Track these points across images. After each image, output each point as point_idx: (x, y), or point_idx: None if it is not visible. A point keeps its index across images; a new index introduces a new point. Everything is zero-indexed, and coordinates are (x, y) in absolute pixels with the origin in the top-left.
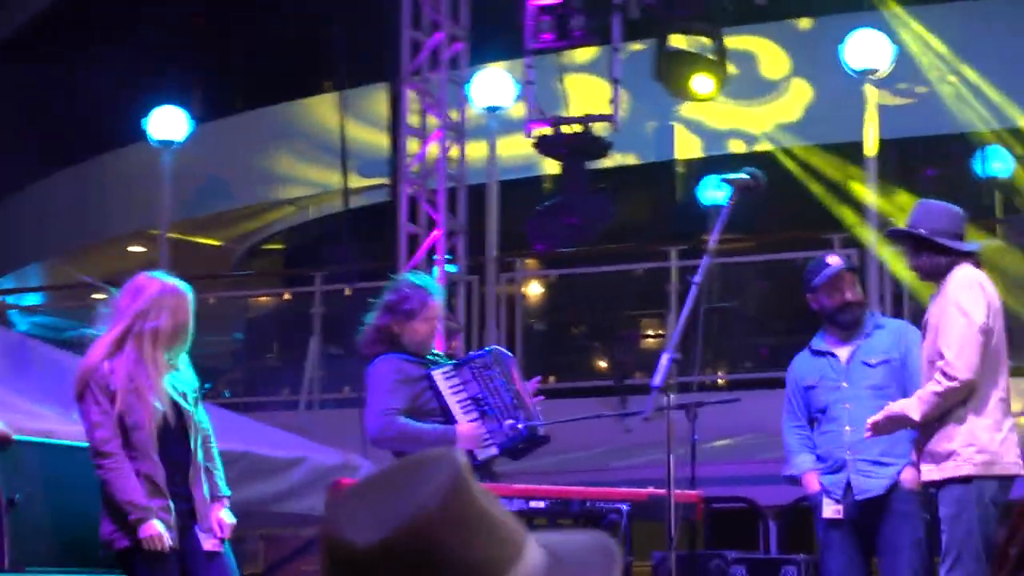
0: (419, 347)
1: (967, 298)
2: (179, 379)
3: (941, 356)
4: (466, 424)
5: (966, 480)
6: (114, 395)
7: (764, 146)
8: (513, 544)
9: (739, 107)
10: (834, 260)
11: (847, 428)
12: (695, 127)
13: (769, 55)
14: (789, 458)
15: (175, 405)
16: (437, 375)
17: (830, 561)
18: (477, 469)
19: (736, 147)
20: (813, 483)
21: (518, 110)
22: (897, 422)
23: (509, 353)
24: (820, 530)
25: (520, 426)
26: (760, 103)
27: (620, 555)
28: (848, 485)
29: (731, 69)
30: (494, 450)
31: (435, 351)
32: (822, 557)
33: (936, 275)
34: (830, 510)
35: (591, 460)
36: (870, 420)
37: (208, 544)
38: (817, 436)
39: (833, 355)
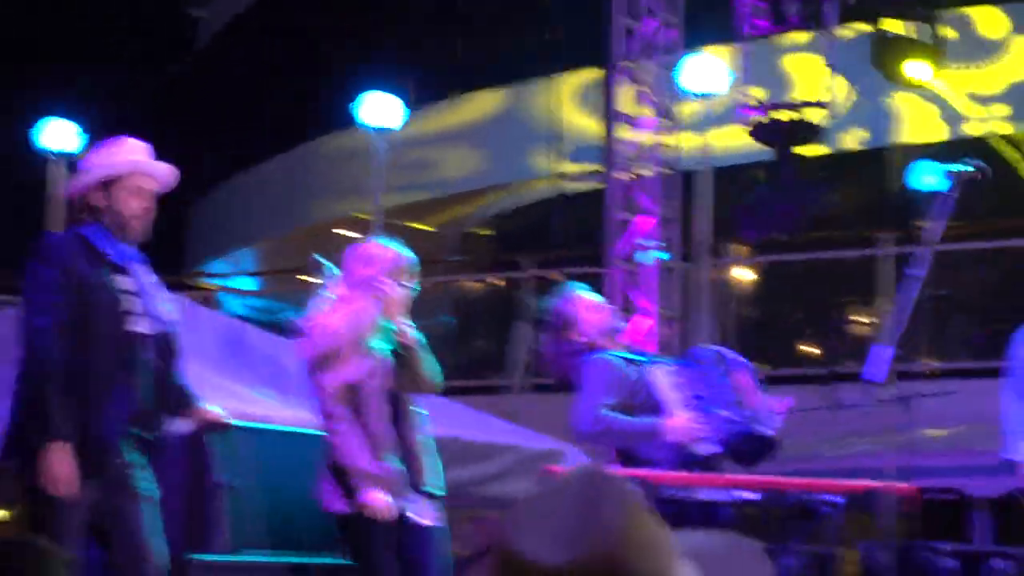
0: (607, 334)
1: None
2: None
3: None
4: (678, 417)
5: None
6: (339, 353)
7: (980, 130)
8: (675, 556)
9: (956, 93)
10: None
11: None
12: (908, 113)
13: (990, 24)
14: (1009, 440)
15: (390, 370)
16: (655, 371)
17: None
18: (698, 464)
19: (951, 132)
20: None
21: (731, 97)
22: None
23: (740, 357)
24: None
25: (736, 418)
26: (977, 88)
27: (763, 553)
28: None
29: (950, 45)
30: (716, 446)
31: (651, 353)
32: None
33: None
34: None
35: (803, 448)
36: None
37: (424, 517)
38: None
39: None
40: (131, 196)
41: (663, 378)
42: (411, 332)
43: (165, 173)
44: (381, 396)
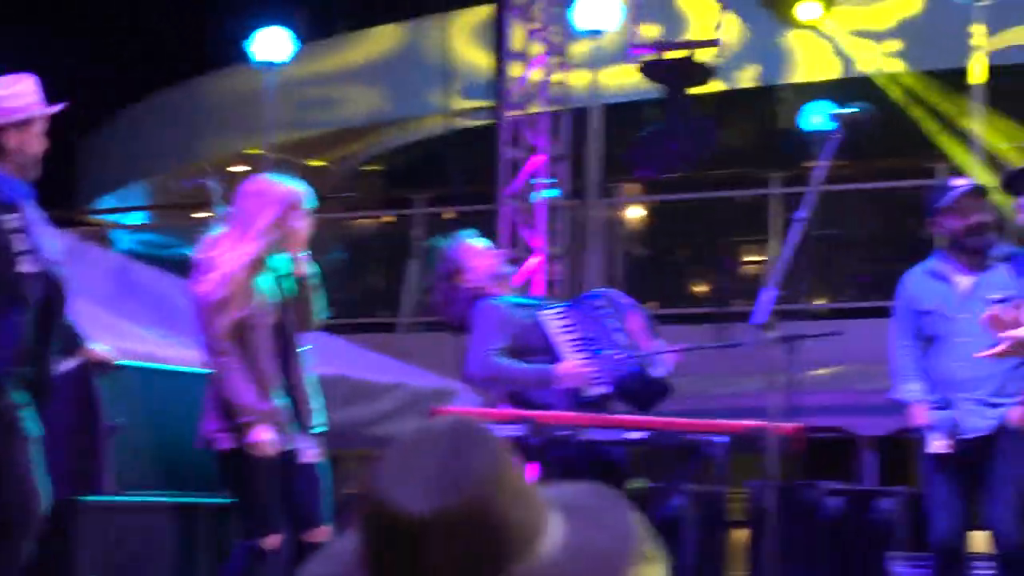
0: (495, 279)
1: None
2: (274, 280)
3: None
4: (569, 362)
5: None
6: (229, 286)
7: (871, 67)
8: (544, 506)
9: (844, 32)
10: (961, 182)
11: (959, 364)
12: (800, 52)
13: None
14: (897, 381)
15: (278, 307)
16: (546, 316)
17: (933, 495)
18: (588, 406)
19: (838, 72)
20: (920, 416)
21: (622, 35)
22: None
23: (625, 296)
24: (924, 464)
25: (623, 356)
26: (868, 26)
27: (624, 499)
28: (955, 423)
29: None
30: (606, 387)
31: (541, 297)
32: (925, 491)
33: None
34: (938, 445)
35: (692, 386)
36: (996, 310)
37: (307, 455)
38: (928, 367)
39: (951, 282)
40: (39, 138)
41: (553, 321)
42: (307, 267)
43: (54, 111)
44: (269, 333)
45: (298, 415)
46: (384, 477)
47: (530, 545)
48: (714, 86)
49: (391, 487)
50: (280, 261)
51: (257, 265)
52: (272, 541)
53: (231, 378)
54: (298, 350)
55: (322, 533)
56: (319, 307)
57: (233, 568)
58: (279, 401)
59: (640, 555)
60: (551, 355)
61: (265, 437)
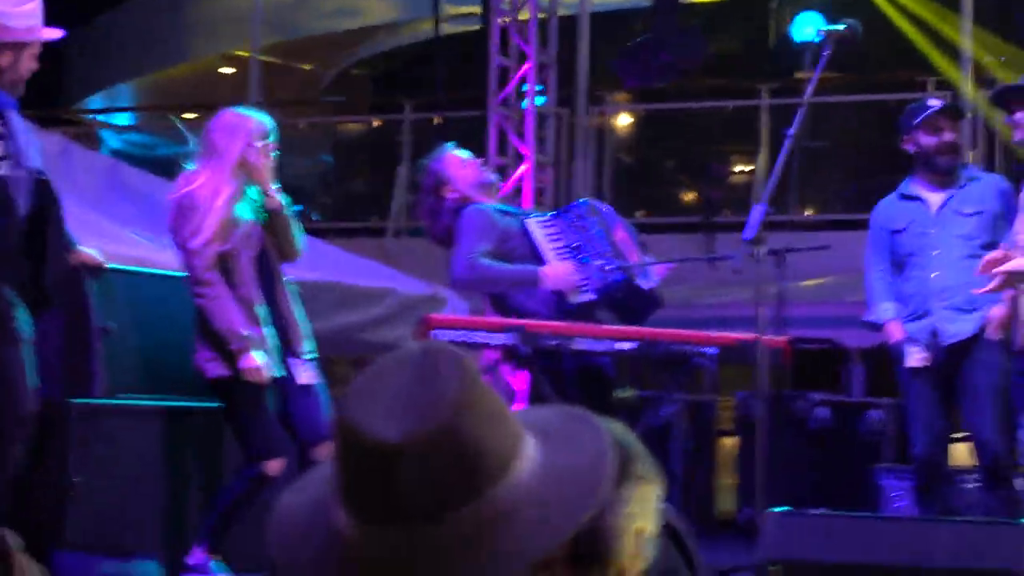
0: (479, 187)
1: None
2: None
3: None
4: (555, 264)
5: None
6: (210, 224)
7: None
8: (518, 429)
9: None
10: (935, 101)
11: (934, 274)
12: None
13: None
14: (871, 304)
15: (261, 234)
16: (532, 223)
17: (912, 409)
18: (571, 314)
19: None
20: (896, 332)
21: None
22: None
23: (611, 208)
24: (903, 378)
25: (608, 267)
26: None
27: (599, 420)
28: (934, 331)
29: None
30: (591, 294)
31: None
32: (905, 404)
33: None
34: (915, 358)
35: (681, 296)
36: (987, 257)
37: (303, 377)
38: (902, 282)
39: (923, 200)
40: (32, 59)
41: (539, 229)
42: (278, 198)
43: (52, 37)
44: (250, 262)
45: (288, 342)
46: (356, 403)
47: (504, 469)
48: None
49: (363, 413)
50: (255, 191)
51: (235, 199)
52: (274, 466)
53: (218, 307)
54: (283, 279)
55: (328, 450)
56: (297, 237)
57: (236, 489)
58: (266, 328)
59: (627, 474)
60: (537, 261)
61: (256, 363)
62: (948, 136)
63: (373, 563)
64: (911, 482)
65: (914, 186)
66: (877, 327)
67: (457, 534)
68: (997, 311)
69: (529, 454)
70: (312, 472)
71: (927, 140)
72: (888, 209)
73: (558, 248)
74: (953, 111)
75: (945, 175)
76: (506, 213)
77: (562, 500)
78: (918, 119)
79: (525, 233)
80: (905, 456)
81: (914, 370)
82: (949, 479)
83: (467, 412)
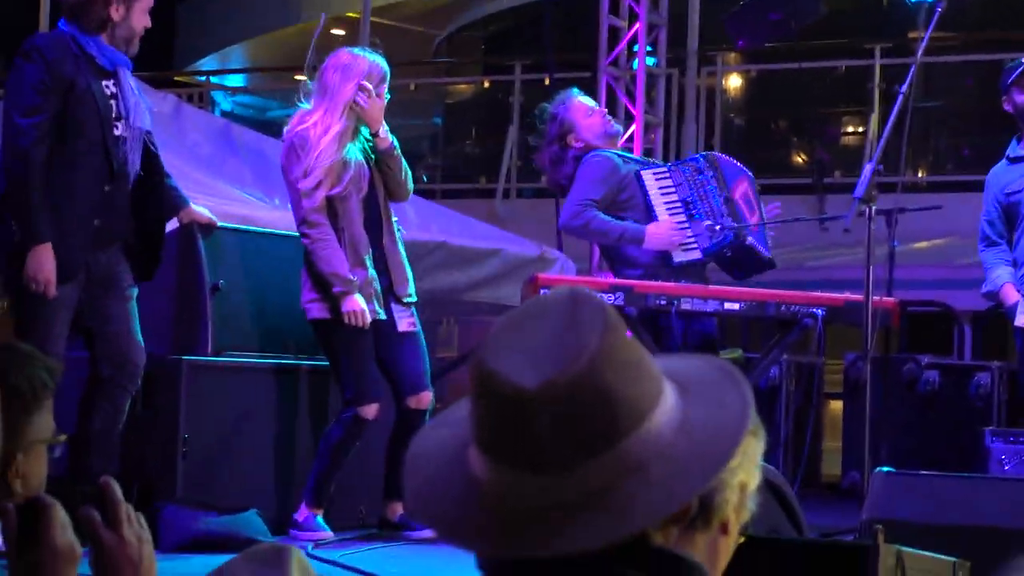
0: (604, 137)
1: None
2: (363, 151)
3: None
4: (662, 223)
5: None
6: (321, 164)
7: None
8: (658, 380)
9: None
10: None
11: None
12: None
13: None
14: (987, 274)
15: (370, 175)
16: (647, 175)
17: None
18: (678, 271)
19: None
20: (1011, 295)
21: None
22: None
23: (733, 161)
24: (1018, 339)
25: (718, 227)
26: None
27: (743, 377)
28: None
29: None
30: (697, 253)
31: (646, 159)
32: (1019, 365)
33: None
34: None
35: (790, 257)
36: None
37: (404, 324)
38: (1018, 245)
39: None
40: (144, 14)
41: (653, 181)
42: (389, 139)
43: None
44: (359, 204)
45: (392, 285)
46: (495, 348)
47: (641, 420)
48: None
49: (502, 358)
50: (366, 133)
51: (345, 139)
52: (370, 410)
53: (323, 249)
54: (390, 220)
55: (424, 399)
56: (406, 178)
57: (334, 435)
58: (371, 272)
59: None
60: (648, 213)
61: (358, 306)
62: None
63: (508, 508)
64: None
65: (1019, 147)
66: (993, 295)
67: (590, 483)
68: None
69: (668, 406)
70: (446, 414)
71: (1021, 99)
72: (1000, 175)
73: (670, 203)
74: None
75: None
76: (628, 160)
77: (696, 456)
78: (1012, 77)
79: (640, 182)
80: (1015, 420)
81: None
82: None
83: (605, 362)
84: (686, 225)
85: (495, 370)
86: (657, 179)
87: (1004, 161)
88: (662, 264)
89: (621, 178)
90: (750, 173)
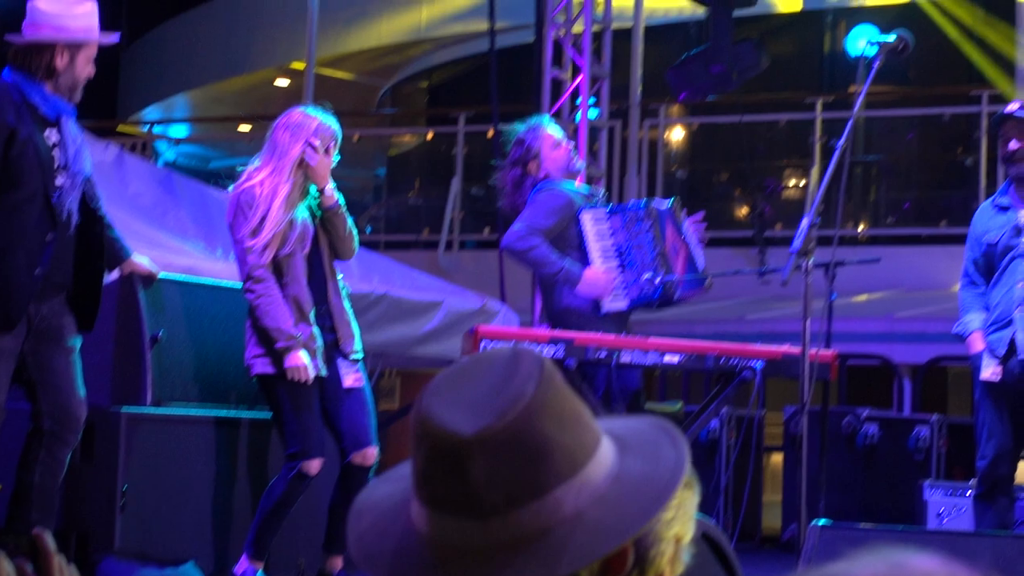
0: (566, 171)
1: None
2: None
3: None
4: (597, 269)
5: None
6: (265, 219)
7: None
8: (595, 433)
9: None
10: (1012, 107)
11: (1020, 284)
12: None
13: None
14: (961, 314)
15: (315, 233)
16: (587, 216)
17: (983, 420)
18: (603, 319)
19: None
20: (977, 343)
21: None
22: None
23: (669, 207)
24: (977, 390)
25: (657, 280)
26: None
27: (681, 434)
28: (1012, 343)
29: None
30: (624, 304)
31: (595, 189)
32: (976, 417)
33: None
34: (988, 371)
35: (729, 310)
36: None
37: (349, 380)
38: (991, 291)
39: (1013, 208)
40: (88, 63)
41: (591, 225)
42: (335, 197)
43: (108, 41)
44: (303, 261)
45: (337, 341)
46: (435, 398)
47: (575, 469)
48: (758, 8)
49: (441, 407)
50: (313, 191)
51: (294, 200)
52: (313, 465)
53: (268, 304)
54: (335, 276)
55: (370, 454)
56: (351, 235)
57: (277, 490)
58: (315, 328)
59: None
60: (584, 253)
61: (301, 362)
62: (1012, 144)
63: (448, 552)
64: (959, 498)
65: (1005, 195)
66: (962, 338)
67: (525, 528)
68: None
69: (604, 458)
70: (391, 472)
71: (999, 150)
72: (983, 220)
73: (604, 248)
74: (1011, 119)
75: (1020, 182)
76: (582, 197)
77: (629, 504)
78: (995, 128)
79: (579, 223)
80: (953, 472)
81: (988, 384)
82: (1011, 495)
83: (540, 412)
84: (618, 273)
85: (433, 419)
86: (596, 223)
87: (990, 204)
88: (589, 311)
89: (572, 215)
90: (672, 205)
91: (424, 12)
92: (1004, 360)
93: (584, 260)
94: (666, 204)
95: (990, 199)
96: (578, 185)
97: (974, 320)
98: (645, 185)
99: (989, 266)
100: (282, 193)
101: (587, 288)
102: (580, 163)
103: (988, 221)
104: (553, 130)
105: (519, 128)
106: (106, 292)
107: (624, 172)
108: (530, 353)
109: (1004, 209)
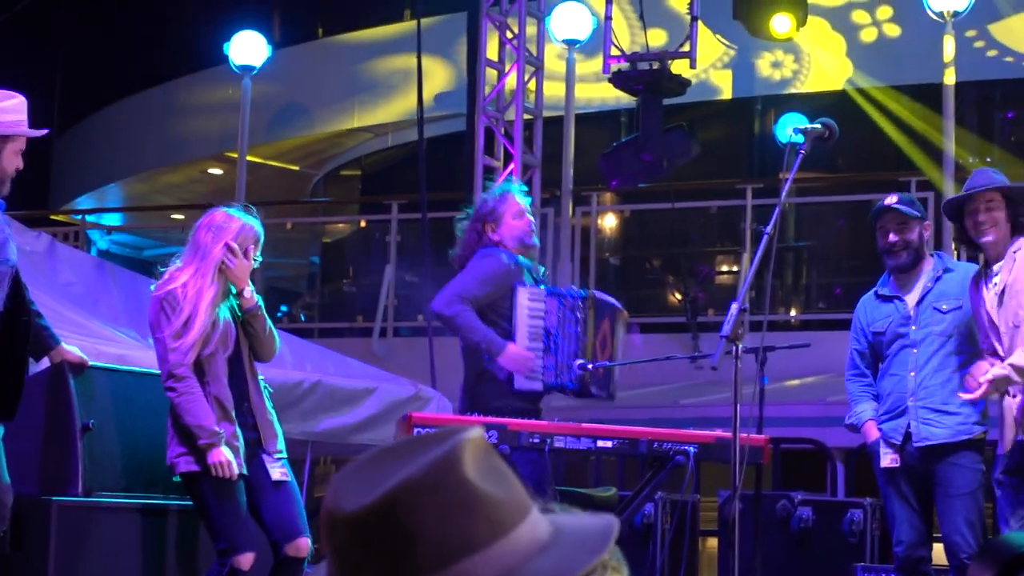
0: (520, 244)
1: None
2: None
3: None
4: (520, 347)
5: None
6: (189, 321)
7: (840, 85)
8: (498, 523)
9: (817, 45)
10: (890, 199)
11: (912, 374)
12: (773, 65)
13: None
14: (850, 406)
15: (236, 334)
16: (522, 292)
17: (891, 509)
18: (516, 393)
19: (813, 85)
20: (872, 432)
21: (597, 45)
22: (1000, 383)
23: (610, 300)
24: (880, 479)
25: (577, 371)
26: (839, 41)
27: (615, 534)
28: (908, 432)
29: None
30: (539, 385)
31: (540, 266)
32: (885, 506)
33: (1016, 232)
34: (887, 459)
35: (662, 396)
36: (983, 378)
37: (276, 474)
38: (881, 380)
39: (901, 299)
40: (17, 156)
41: (524, 301)
42: (254, 299)
43: (37, 135)
44: (224, 362)
45: (259, 440)
46: (344, 477)
47: (450, 560)
48: (687, 97)
49: (340, 487)
50: (233, 292)
51: (218, 302)
52: (245, 560)
53: (190, 402)
54: (255, 376)
55: (303, 545)
56: (270, 337)
57: None
58: (237, 427)
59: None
60: (511, 327)
61: (224, 458)
62: (891, 237)
63: None
64: None
65: (887, 286)
66: (856, 428)
67: None
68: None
69: (515, 546)
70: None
71: (878, 241)
72: (868, 310)
73: (533, 327)
74: (890, 211)
75: (899, 272)
76: (525, 271)
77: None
78: (874, 220)
79: (514, 296)
80: (887, 556)
81: (889, 471)
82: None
83: (419, 496)
84: (541, 355)
85: (330, 497)
86: (530, 300)
87: (872, 296)
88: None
89: (508, 285)
90: (620, 307)
91: (356, 102)
92: (900, 448)
93: (511, 333)
94: (614, 303)
95: (872, 290)
96: (525, 258)
97: (866, 410)
98: (578, 272)
99: (875, 356)
100: (208, 295)
101: (507, 362)
102: (536, 240)
103: (873, 311)
104: (521, 199)
105: (493, 190)
106: (36, 381)
107: (558, 259)
108: (453, 433)
109: (888, 300)
